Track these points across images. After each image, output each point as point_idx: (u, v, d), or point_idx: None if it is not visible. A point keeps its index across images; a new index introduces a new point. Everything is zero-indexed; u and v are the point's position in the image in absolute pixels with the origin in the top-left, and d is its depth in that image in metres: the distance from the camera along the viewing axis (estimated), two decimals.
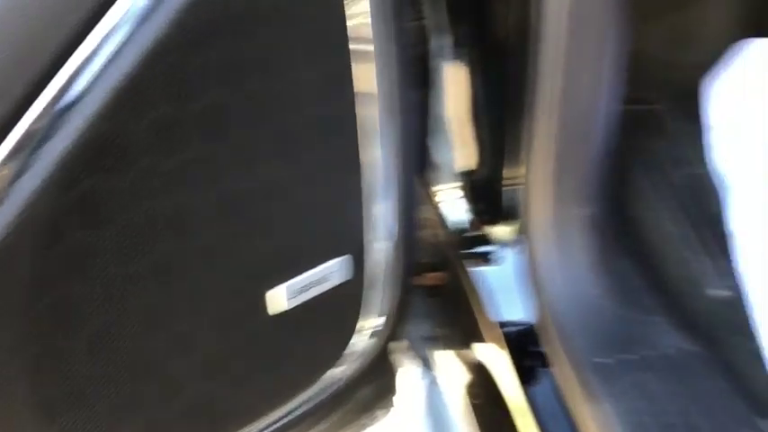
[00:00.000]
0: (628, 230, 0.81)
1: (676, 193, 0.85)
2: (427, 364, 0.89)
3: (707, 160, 0.88)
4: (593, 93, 0.77)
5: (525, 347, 0.77)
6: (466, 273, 0.83)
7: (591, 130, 0.78)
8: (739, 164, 0.87)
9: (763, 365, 0.65)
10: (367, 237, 0.72)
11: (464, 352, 0.87)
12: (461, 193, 0.90)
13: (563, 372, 0.70)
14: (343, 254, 0.71)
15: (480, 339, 0.84)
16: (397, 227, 0.73)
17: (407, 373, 0.87)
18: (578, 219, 0.77)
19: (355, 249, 0.72)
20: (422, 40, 0.85)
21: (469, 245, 0.87)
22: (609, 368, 0.67)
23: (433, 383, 0.88)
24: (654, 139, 0.92)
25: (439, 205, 0.91)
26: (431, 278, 0.94)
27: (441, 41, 0.85)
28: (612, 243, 0.79)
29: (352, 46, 0.66)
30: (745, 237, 0.78)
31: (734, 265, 0.75)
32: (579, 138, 0.77)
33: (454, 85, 0.85)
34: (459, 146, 0.87)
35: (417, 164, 0.79)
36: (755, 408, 0.63)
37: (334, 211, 0.70)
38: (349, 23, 0.64)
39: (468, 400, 0.83)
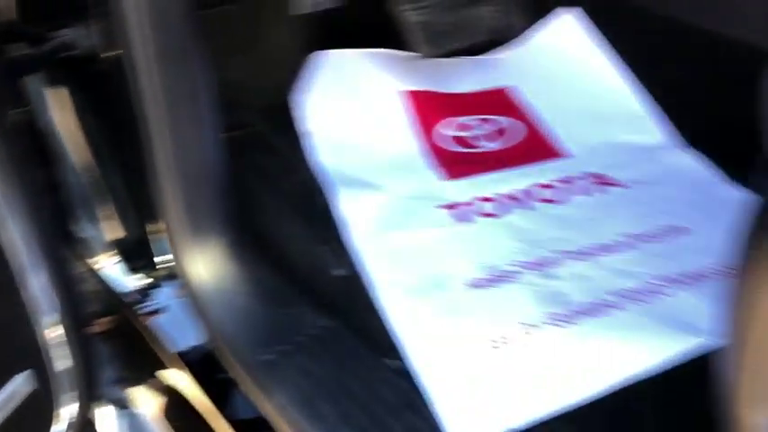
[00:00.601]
0: (261, 241, 0.93)
1: (290, 199, 0.99)
2: (123, 404, 0.94)
3: (310, 163, 1.03)
4: (198, 133, 0.85)
5: (212, 366, 0.86)
6: (137, 317, 0.89)
7: (206, 168, 0.87)
8: (335, 159, 1.04)
9: (380, 318, 0.83)
10: (40, 337, 0.74)
11: (153, 383, 0.93)
12: (118, 257, 0.94)
13: (239, 376, 0.81)
14: (24, 368, 0.72)
15: (164, 368, 0.90)
16: (60, 312, 0.76)
17: (106, 421, 0.91)
18: (220, 246, 0.87)
19: (33, 358, 0.73)
20: (30, 126, 0.85)
21: (136, 295, 0.92)
22: (273, 362, 0.79)
23: (133, 420, 0.93)
24: (263, 156, 1.04)
25: (100, 271, 0.94)
26: (103, 324, 0.97)
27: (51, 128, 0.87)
28: (253, 255, 0.91)
29: None
30: (352, 221, 0.94)
31: (347, 246, 0.91)
32: (198, 179, 0.85)
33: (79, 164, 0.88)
34: (103, 219, 0.91)
35: (63, 243, 0.81)
36: (382, 351, 0.80)
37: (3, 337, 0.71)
38: None
39: (167, 424, 0.89)
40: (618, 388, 0.73)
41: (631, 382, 0.73)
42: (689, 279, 0.82)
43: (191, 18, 0.80)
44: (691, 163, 1.00)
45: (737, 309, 0.50)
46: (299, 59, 1.11)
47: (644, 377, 0.74)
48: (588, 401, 0.72)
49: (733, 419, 0.52)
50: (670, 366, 0.74)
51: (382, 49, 1.13)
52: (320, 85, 1.11)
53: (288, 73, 1.11)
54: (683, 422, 0.69)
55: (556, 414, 0.71)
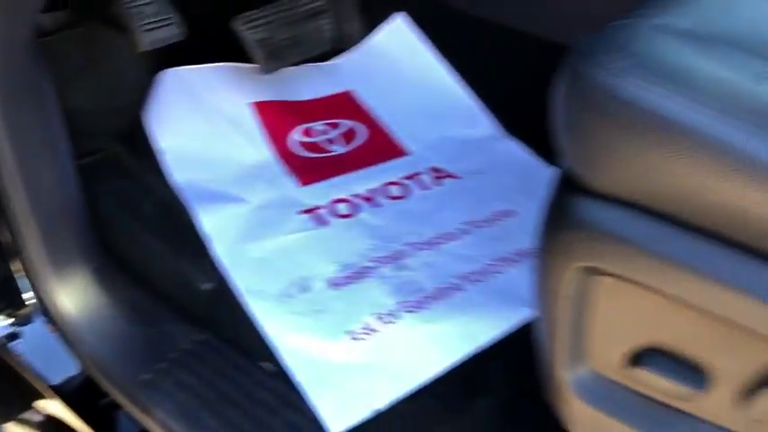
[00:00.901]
0: (126, 264, 0.95)
1: (152, 218, 1.00)
2: None
3: (167, 181, 1.04)
4: (50, 165, 0.85)
5: (92, 393, 0.87)
6: (9, 355, 0.88)
7: (61, 199, 0.87)
8: (192, 175, 1.06)
9: (251, 326, 0.88)
10: None
11: (30, 417, 0.93)
12: None
13: (119, 398, 0.83)
14: None
15: (41, 401, 0.91)
16: None
17: None
18: (83, 275, 0.88)
19: None
20: None
21: (4, 336, 0.91)
22: (151, 381, 0.82)
23: None
24: (119, 180, 1.05)
25: None
26: None
27: None
28: (119, 279, 0.92)
29: None
30: (215, 234, 0.98)
31: (213, 259, 0.95)
32: (54, 211, 0.85)
33: None
34: None
35: None
36: (256, 357, 0.85)
37: None
38: None
39: None
40: (468, 358, 0.83)
41: (479, 352, 0.84)
42: (518, 257, 0.93)
43: (32, 49, 0.79)
44: (515, 151, 1.12)
45: (543, 287, 0.60)
46: (147, 79, 1.12)
47: (488, 346, 0.84)
48: (444, 374, 0.82)
49: (550, 377, 0.63)
50: (509, 335, 0.85)
51: (228, 63, 1.16)
52: (170, 103, 1.12)
53: (136, 93, 1.11)
54: (522, 382, 0.80)
55: (416, 389, 0.80)
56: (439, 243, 0.97)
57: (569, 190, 0.56)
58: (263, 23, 1.06)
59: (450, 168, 1.09)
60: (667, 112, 0.48)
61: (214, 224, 0.99)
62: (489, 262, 0.94)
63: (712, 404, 0.55)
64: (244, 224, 1.00)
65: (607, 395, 0.59)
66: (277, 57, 1.08)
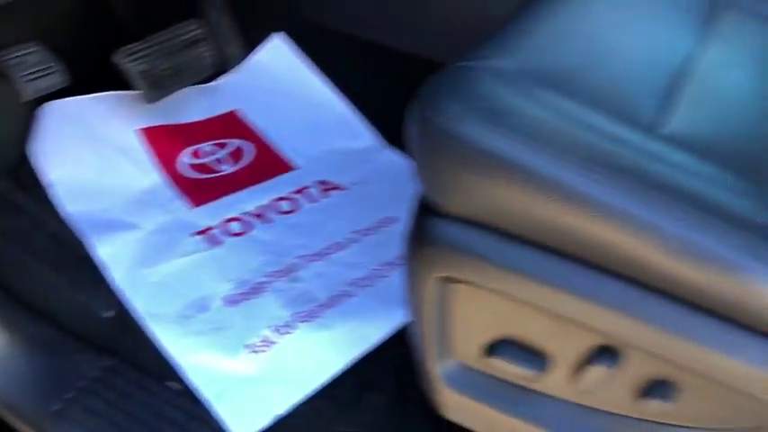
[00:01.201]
0: (26, 300, 0.98)
1: (47, 253, 1.03)
2: None
3: (59, 214, 1.08)
4: None
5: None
6: None
7: None
8: (84, 206, 1.10)
9: (155, 348, 0.94)
10: None
11: None
12: None
13: None
14: None
15: None
16: None
17: None
18: None
19: None
20: None
21: None
22: (60, 411, 0.86)
23: None
24: (8, 216, 1.07)
25: None
26: None
27: None
28: (20, 316, 0.95)
29: None
30: (111, 263, 1.02)
31: (112, 287, 1.00)
32: None
33: None
34: None
35: None
36: (162, 377, 0.91)
37: None
38: None
39: None
40: (359, 359, 0.93)
41: (369, 352, 0.93)
42: (402, 261, 1.03)
43: None
44: (395, 160, 1.22)
45: (411, 293, 0.70)
46: (28, 113, 1.14)
47: (377, 346, 0.94)
48: (337, 376, 0.91)
49: (424, 370, 0.73)
50: (394, 334, 0.95)
51: (111, 92, 1.19)
52: (55, 135, 1.15)
53: (18, 128, 1.13)
54: (405, 376, 0.90)
55: (313, 393, 0.89)
56: (329, 253, 1.06)
57: (427, 212, 0.66)
58: (144, 55, 1.11)
59: (335, 180, 1.18)
60: (499, 151, 0.59)
61: (109, 252, 1.03)
62: (376, 267, 1.03)
63: (552, 382, 0.67)
64: (139, 250, 1.05)
65: (471, 382, 0.70)
66: (160, 86, 1.13)
